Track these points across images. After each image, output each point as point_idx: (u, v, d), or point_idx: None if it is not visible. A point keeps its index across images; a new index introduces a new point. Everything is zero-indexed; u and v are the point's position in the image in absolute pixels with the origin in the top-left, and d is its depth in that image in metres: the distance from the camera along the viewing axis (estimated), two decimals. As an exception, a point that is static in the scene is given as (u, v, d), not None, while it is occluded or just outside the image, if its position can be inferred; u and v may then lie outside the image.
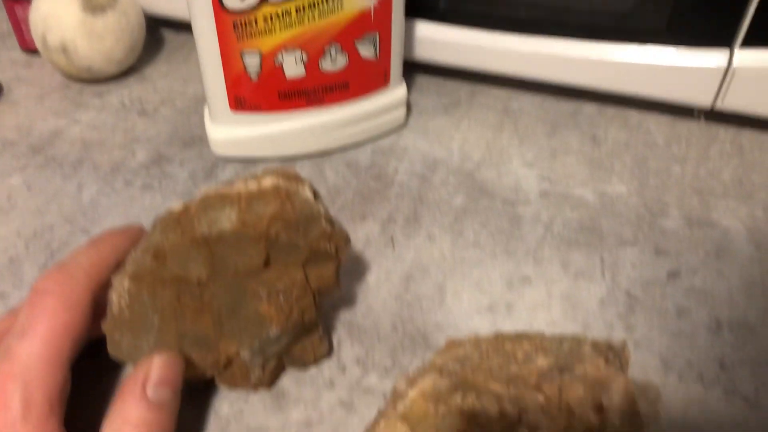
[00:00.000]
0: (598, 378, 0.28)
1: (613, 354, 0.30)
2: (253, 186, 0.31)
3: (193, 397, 0.35)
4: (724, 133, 0.50)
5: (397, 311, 0.39)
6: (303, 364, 0.35)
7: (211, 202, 0.31)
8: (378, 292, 0.40)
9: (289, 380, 0.36)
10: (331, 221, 0.33)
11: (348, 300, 0.39)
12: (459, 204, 0.45)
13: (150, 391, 0.29)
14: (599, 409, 0.26)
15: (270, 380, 0.34)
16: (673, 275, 0.41)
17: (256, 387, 0.34)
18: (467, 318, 0.38)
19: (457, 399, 0.27)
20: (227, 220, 0.31)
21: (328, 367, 0.36)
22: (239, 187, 0.31)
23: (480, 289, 0.40)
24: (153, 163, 0.48)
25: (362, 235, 0.43)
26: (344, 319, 0.38)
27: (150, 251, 0.31)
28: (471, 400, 0.27)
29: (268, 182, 0.32)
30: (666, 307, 0.39)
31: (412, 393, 0.28)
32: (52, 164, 0.48)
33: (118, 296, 0.31)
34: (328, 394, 0.35)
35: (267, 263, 0.32)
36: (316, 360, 0.35)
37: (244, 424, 0.34)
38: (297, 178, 0.33)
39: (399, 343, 0.37)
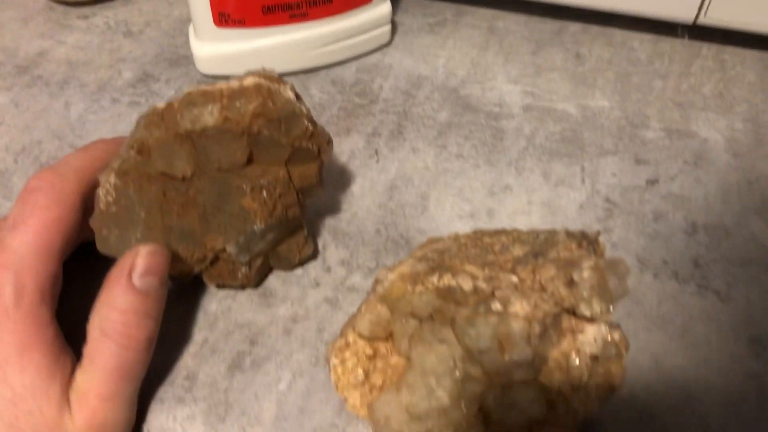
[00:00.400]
0: (569, 259, 0.29)
1: (588, 242, 0.31)
2: (235, 84, 0.32)
3: (182, 295, 0.36)
4: (707, 50, 0.50)
5: (381, 218, 0.40)
6: (289, 263, 0.36)
7: (194, 99, 0.31)
8: (362, 200, 0.41)
9: (276, 280, 0.37)
10: (313, 121, 0.33)
11: (333, 208, 0.40)
12: (443, 118, 0.45)
13: (136, 280, 0.30)
14: (570, 283, 0.27)
15: (257, 279, 0.35)
16: (652, 182, 0.41)
17: (243, 285, 0.35)
18: (449, 223, 0.39)
19: (434, 279, 0.28)
20: (210, 116, 0.31)
21: (313, 268, 0.37)
22: (221, 85, 0.32)
23: (462, 197, 0.41)
24: (139, 82, 0.48)
25: (347, 149, 0.44)
26: (329, 225, 0.39)
27: (134, 147, 0.31)
28: (447, 280, 0.28)
29: (250, 81, 0.32)
30: (644, 211, 0.40)
31: (391, 276, 0.29)
32: (38, 83, 0.48)
33: (104, 192, 0.32)
34: (313, 292, 0.36)
35: (250, 160, 0.32)
36: (302, 260, 0.36)
37: (232, 320, 0.35)
38: (279, 79, 0.33)
39: (382, 246, 0.38)
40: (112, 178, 0.32)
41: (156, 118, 0.31)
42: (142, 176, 0.32)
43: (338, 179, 0.42)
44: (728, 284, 0.36)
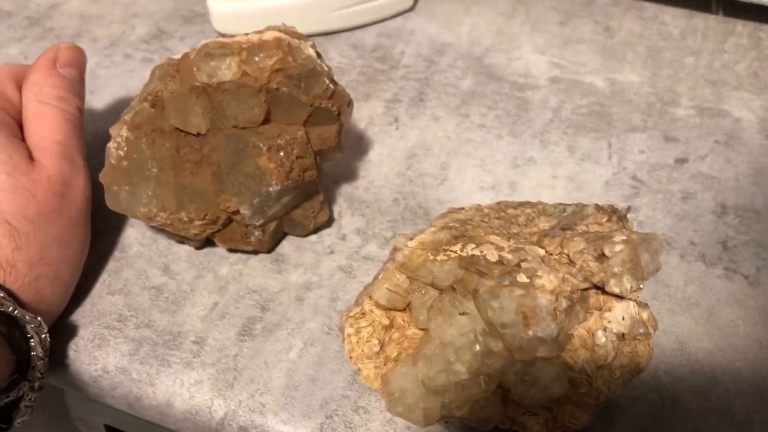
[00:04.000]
0: (600, 233, 0.27)
1: (617, 217, 0.29)
2: (254, 38, 0.31)
3: (192, 258, 0.35)
4: (742, 28, 0.49)
5: (399, 187, 0.38)
6: (303, 229, 0.35)
7: (212, 51, 0.30)
8: (380, 168, 0.39)
9: (289, 246, 0.35)
10: (333, 81, 0.32)
11: (349, 175, 0.39)
12: (466, 87, 0.44)
13: (59, 69, 0.33)
14: (600, 258, 0.26)
15: (270, 243, 0.34)
16: (681, 161, 0.40)
17: (255, 249, 0.34)
18: (470, 194, 0.38)
19: (457, 248, 0.27)
20: (227, 69, 0.30)
21: (328, 236, 0.36)
22: (240, 38, 0.31)
23: (484, 168, 0.39)
24: (153, 38, 0.46)
25: (365, 115, 0.42)
26: (345, 192, 0.38)
27: (148, 99, 0.30)
28: (470, 249, 0.27)
29: (270, 35, 0.31)
30: (672, 190, 0.38)
31: (412, 244, 0.28)
32: (50, 36, 0.46)
33: (116, 146, 0.31)
34: (327, 260, 0.35)
35: (267, 119, 0.31)
36: (316, 226, 0.35)
37: (243, 284, 0.34)
38: (300, 35, 0.32)
39: (400, 216, 0.37)
40: (124, 132, 0.30)
41: (171, 70, 0.30)
42: (155, 130, 0.30)
43: (356, 146, 0.40)
44: (758, 268, 0.35)
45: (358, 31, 0.47)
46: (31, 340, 0.28)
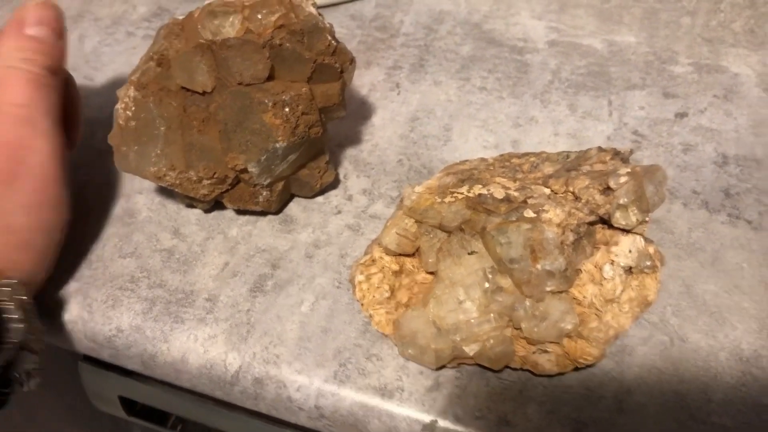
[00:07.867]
0: (604, 170, 0.28)
1: (620, 159, 0.30)
2: (256, -3, 0.31)
3: (201, 221, 0.35)
4: (737, -13, 0.49)
5: (403, 148, 0.39)
6: (310, 189, 0.35)
7: (215, 10, 0.30)
8: (383, 131, 0.40)
9: (296, 207, 0.36)
10: (335, 38, 0.32)
11: (353, 139, 0.39)
12: (466, 53, 0.44)
13: (28, 31, 0.31)
14: (605, 190, 0.26)
15: (278, 204, 0.35)
16: (681, 115, 0.40)
17: (264, 209, 0.34)
18: (473, 154, 0.38)
19: (464, 190, 0.27)
20: (231, 27, 0.30)
21: (335, 197, 0.36)
22: (243, -2, 0.31)
23: (486, 128, 0.40)
24: (154, 16, 0.47)
25: (367, 81, 0.43)
26: (350, 155, 0.38)
27: (154, 58, 0.31)
28: (477, 189, 0.27)
29: (272, -7, 0.31)
30: (673, 143, 0.39)
31: (419, 189, 0.29)
32: (52, 17, 0.47)
33: (124, 107, 0.31)
34: (335, 219, 0.35)
35: (271, 76, 0.31)
36: (323, 186, 0.35)
37: (252, 244, 0.34)
38: (301, -6, 0.32)
39: (405, 176, 0.37)
40: (132, 92, 0.31)
41: (176, 29, 0.31)
42: (162, 89, 0.31)
43: (358, 111, 0.41)
44: (760, 213, 0.35)
45: (356, 2, 0.48)
46: (5, 303, 0.27)
